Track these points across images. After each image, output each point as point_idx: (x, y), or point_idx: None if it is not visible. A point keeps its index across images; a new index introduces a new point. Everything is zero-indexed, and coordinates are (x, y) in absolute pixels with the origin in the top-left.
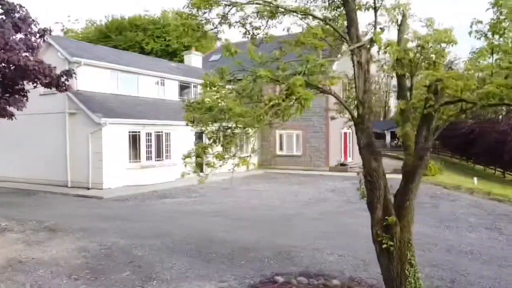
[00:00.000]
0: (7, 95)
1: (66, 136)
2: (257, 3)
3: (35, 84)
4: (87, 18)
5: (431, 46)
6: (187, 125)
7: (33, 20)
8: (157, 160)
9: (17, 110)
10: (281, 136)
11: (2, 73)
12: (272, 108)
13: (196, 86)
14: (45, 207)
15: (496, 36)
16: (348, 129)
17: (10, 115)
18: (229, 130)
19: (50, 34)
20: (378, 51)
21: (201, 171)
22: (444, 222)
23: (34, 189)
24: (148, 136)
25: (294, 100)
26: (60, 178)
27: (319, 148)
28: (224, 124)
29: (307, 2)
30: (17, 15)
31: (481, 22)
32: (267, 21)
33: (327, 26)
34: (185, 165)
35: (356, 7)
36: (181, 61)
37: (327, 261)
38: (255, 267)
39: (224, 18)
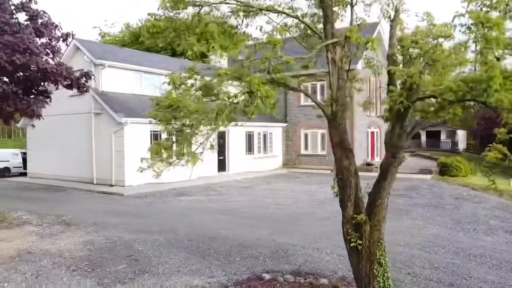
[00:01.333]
0: (31, 96)
1: (92, 136)
2: (227, 3)
3: (56, 86)
4: (124, 22)
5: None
6: (150, 122)
7: (56, 25)
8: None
9: (38, 110)
10: (306, 135)
11: (23, 76)
12: (230, 106)
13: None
14: (68, 202)
15: (481, 28)
16: (376, 128)
17: (38, 116)
18: (187, 128)
19: (72, 38)
20: (357, 48)
21: (224, 169)
22: (461, 224)
23: (63, 186)
24: (169, 135)
25: (256, 98)
26: (86, 175)
27: None
28: (184, 122)
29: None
30: (40, 20)
31: (463, 15)
32: (243, 20)
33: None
34: (141, 161)
35: (333, 4)
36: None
37: (323, 261)
38: (248, 264)
39: (198, 17)
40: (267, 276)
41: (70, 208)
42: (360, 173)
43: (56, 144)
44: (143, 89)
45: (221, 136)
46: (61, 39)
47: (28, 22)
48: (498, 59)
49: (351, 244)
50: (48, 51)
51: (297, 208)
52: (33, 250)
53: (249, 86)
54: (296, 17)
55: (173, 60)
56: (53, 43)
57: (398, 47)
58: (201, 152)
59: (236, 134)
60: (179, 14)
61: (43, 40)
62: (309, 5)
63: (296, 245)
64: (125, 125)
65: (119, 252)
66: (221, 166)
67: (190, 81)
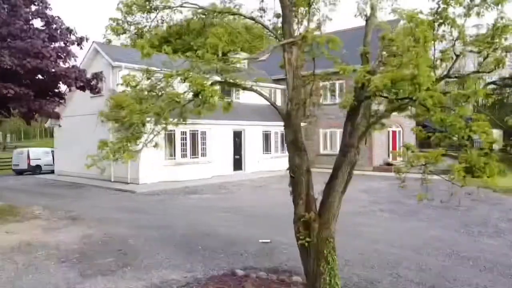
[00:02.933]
0: (47, 97)
1: (109, 135)
2: (184, 6)
3: (69, 88)
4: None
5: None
6: (102, 121)
7: (71, 30)
8: (192, 158)
9: (51, 110)
10: (325, 134)
11: (36, 79)
12: (171, 106)
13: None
14: (82, 199)
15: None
16: (398, 127)
17: (53, 115)
18: (128, 126)
19: (87, 41)
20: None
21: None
22: (468, 227)
23: (83, 183)
24: (183, 135)
25: (202, 97)
26: (105, 173)
27: (363, 147)
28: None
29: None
30: (54, 26)
31: (421, 12)
32: (204, 22)
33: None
34: (86, 158)
35: (291, 4)
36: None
37: None
38: (230, 261)
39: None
40: (240, 272)
41: (82, 204)
42: (377, 173)
43: (80, 143)
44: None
45: (237, 136)
46: (76, 43)
47: (44, 28)
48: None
49: (300, 242)
50: (60, 54)
51: None
52: (33, 242)
53: (193, 86)
54: (251, 18)
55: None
56: (69, 47)
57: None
58: (141, 149)
59: (252, 133)
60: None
61: (58, 44)
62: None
63: (286, 243)
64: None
65: (112, 246)
66: (237, 165)
67: (147, 82)
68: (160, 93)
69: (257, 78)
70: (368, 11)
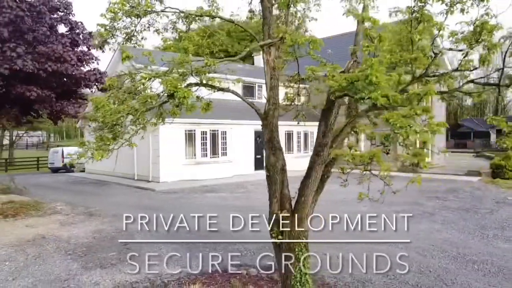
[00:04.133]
0: (69, 99)
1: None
2: (166, 11)
3: (91, 89)
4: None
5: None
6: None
7: (93, 35)
8: (212, 157)
9: (74, 112)
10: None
11: (58, 82)
12: (145, 105)
13: (260, 86)
14: (104, 196)
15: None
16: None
17: (73, 116)
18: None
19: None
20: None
21: (262, 168)
22: (484, 230)
23: (109, 181)
24: (204, 135)
25: (176, 98)
26: (129, 171)
27: (389, 146)
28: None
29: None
30: (77, 30)
31: (401, 11)
32: (189, 25)
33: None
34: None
35: (271, 7)
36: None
37: None
38: (227, 258)
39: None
40: (232, 269)
41: (102, 200)
42: (402, 174)
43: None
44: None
45: (259, 135)
46: (98, 47)
47: (68, 33)
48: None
49: (272, 239)
50: (81, 58)
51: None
52: (48, 236)
53: (167, 88)
54: (230, 20)
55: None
56: (90, 50)
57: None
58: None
59: None
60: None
61: (80, 48)
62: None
63: None
64: (160, 125)
65: (118, 241)
66: (259, 164)
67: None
68: (137, 95)
69: (238, 78)
70: (360, 10)
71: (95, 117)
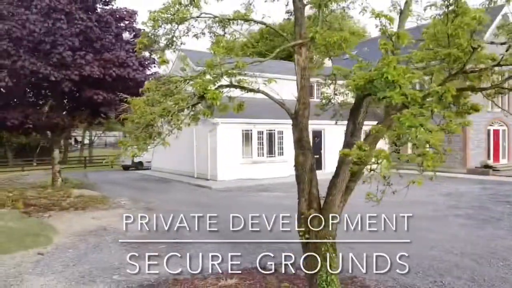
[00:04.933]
0: None
1: (193, 134)
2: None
3: None
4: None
5: None
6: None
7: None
8: (268, 157)
9: None
10: None
11: (122, 86)
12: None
13: (312, 85)
14: (164, 192)
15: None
16: (502, 125)
17: None
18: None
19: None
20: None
21: (320, 168)
22: None
23: (171, 178)
24: (260, 134)
25: (206, 100)
26: (190, 170)
27: (455, 148)
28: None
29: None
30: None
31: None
32: (224, 29)
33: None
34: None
35: (302, 7)
36: None
37: None
38: (269, 256)
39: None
40: (270, 267)
41: (161, 197)
42: (471, 176)
43: (170, 142)
44: (237, 91)
45: (317, 135)
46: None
47: (133, 39)
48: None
49: (300, 238)
50: (143, 63)
51: (364, 208)
52: (108, 228)
53: (197, 90)
54: (262, 22)
55: (274, 63)
56: (152, 55)
57: None
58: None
59: (332, 132)
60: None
61: (143, 54)
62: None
63: None
64: (217, 125)
65: (168, 235)
66: (317, 164)
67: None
68: (162, 99)
69: (269, 79)
70: (402, 5)
71: (132, 118)
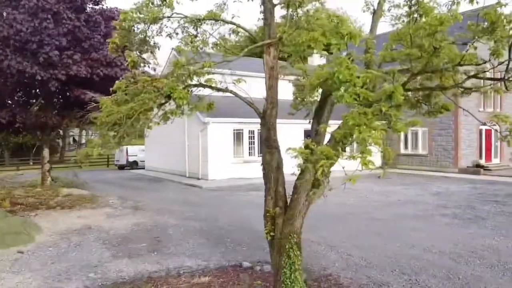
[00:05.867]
0: None
1: (185, 134)
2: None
3: None
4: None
5: None
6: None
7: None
8: (259, 156)
9: None
10: (405, 133)
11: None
12: (143, 106)
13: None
14: (154, 191)
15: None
16: (495, 125)
17: None
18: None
19: (158, 49)
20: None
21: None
22: None
23: (163, 178)
24: (251, 134)
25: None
26: (181, 169)
27: (447, 147)
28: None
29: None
30: None
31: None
32: (196, 29)
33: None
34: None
35: (272, 6)
36: None
37: (324, 256)
38: (248, 254)
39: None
40: (246, 265)
41: (151, 196)
42: (462, 176)
43: (163, 141)
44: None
45: (309, 135)
46: (149, 51)
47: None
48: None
49: (265, 235)
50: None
51: (356, 208)
52: (93, 226)
53: (165, 90)
54: (231, 22)
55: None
56: (142, 55)
57: None
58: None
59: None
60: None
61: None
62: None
63: (314, 241)
64: (208, 124)
65: (152, 233)
66: None
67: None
68: (128, 99)
69: (238, 78)
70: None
71: (101, 117)
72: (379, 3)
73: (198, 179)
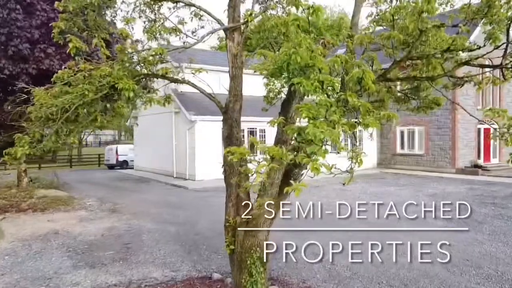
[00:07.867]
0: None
1: (172, 132)
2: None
3: None
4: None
5: None
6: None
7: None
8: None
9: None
10: (402, 132)
11: None
12: (81, 98)
13: None
14: (137, 192)
15: None
16: (493, 123)
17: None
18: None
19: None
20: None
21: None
22: None
23: (150, 178)
24: (241, 133)
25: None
26: (169, 169)
27: (444, 147)
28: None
29: None
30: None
31: None
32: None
33: None
34: None
35: None
36: None
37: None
38: (222, 263)
39: None
40: (216, 276)
41: (133, 197)
42: (460, 176)
43: (151, 140)
44: (222, 88)
45: None
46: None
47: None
48: None
49: (225, 248)
50: (111, 57)
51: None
52: (61, 231)
53: (108, 80)
54: (190, 4)
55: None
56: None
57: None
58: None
59: None
60: None
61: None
62: None
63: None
64: (195, 123)
65: (123, 239)
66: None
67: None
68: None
69: (197, 69)
70: None
71: (32, 110)
72: None
73: (185, 179)
